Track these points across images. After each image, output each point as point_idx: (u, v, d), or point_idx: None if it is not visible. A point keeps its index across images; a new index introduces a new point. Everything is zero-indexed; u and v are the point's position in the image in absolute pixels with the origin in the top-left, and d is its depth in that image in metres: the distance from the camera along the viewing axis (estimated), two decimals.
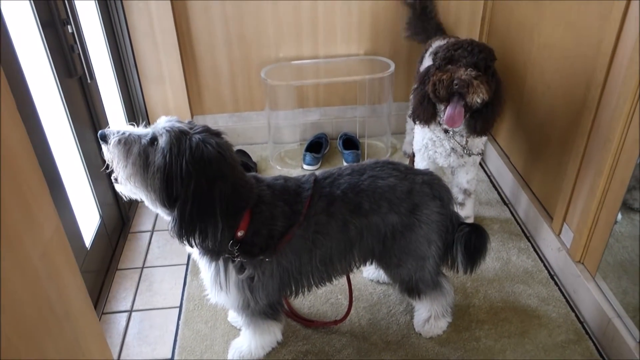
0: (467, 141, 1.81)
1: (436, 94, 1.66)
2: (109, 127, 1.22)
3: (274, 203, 1.31)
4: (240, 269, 1.32)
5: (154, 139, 1.18)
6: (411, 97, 2.01)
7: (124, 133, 1.19)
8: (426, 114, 1.78)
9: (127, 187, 1.22)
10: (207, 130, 1.23)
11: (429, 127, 1.84)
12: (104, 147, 1.20)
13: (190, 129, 1.21)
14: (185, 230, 1.19)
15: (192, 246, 1.24)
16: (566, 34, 1.76)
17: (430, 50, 2.11)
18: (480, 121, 1.72)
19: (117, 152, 1.18)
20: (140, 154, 1.17)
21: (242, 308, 1.39)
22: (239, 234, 1.26)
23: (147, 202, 1.24)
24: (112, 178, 1.24)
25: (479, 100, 1.62)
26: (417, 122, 1.84)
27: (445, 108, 1.69)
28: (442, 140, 1.84)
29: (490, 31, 2.45)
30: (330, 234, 1.35)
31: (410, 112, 1.89)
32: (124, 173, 1.18)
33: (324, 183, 1.38)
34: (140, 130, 1.22)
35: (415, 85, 1.84)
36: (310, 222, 1.33)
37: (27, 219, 0.84)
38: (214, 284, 1.35)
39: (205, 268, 1.37)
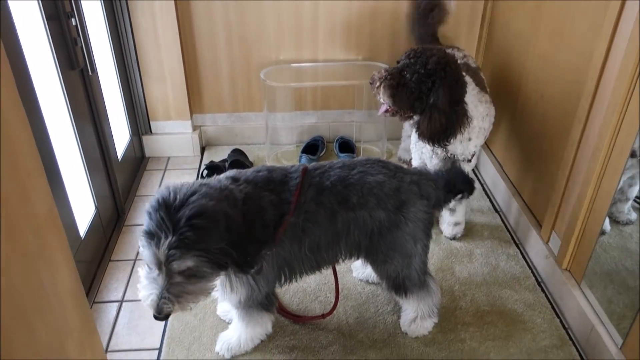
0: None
1: None
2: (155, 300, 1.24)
3: (259, 195, 1.31)
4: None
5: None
6: None
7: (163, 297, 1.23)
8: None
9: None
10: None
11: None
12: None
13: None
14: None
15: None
16: (560, 46, 1.80)
17: None
18: (422, 126, 1.78)
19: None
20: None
21: (245, 300, 1.41)
22: None
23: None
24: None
25: (382, 100, 1.81)
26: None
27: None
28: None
29: (488, 41, 2.49)
30: (319, 222, 1.37)
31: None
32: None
33: (314, 173, 1.40)
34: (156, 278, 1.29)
35: None
36: (301, 210, 1.34)
37: (21, 197, 0.87)
38: (222, 287, 1.38)
39: None
